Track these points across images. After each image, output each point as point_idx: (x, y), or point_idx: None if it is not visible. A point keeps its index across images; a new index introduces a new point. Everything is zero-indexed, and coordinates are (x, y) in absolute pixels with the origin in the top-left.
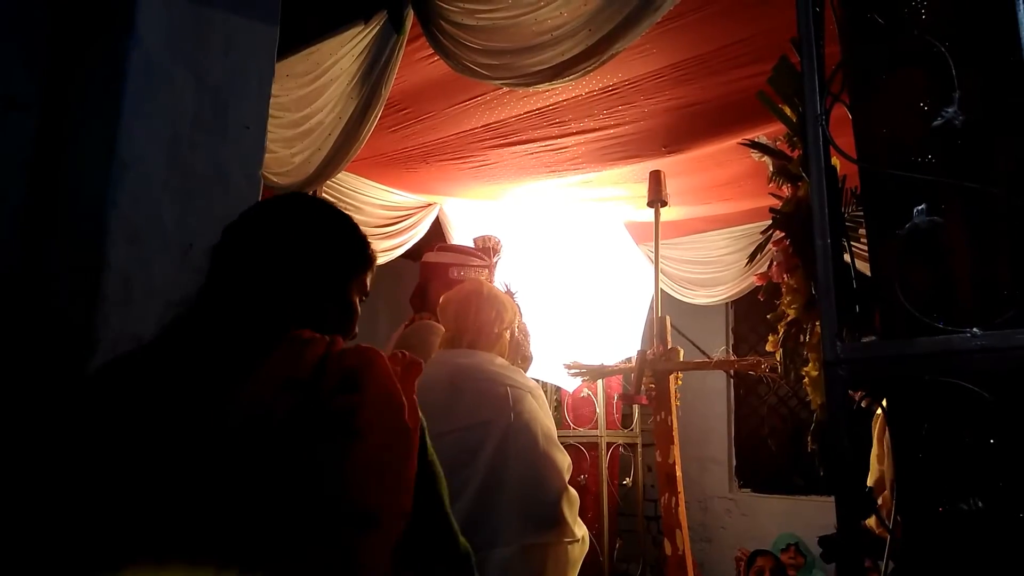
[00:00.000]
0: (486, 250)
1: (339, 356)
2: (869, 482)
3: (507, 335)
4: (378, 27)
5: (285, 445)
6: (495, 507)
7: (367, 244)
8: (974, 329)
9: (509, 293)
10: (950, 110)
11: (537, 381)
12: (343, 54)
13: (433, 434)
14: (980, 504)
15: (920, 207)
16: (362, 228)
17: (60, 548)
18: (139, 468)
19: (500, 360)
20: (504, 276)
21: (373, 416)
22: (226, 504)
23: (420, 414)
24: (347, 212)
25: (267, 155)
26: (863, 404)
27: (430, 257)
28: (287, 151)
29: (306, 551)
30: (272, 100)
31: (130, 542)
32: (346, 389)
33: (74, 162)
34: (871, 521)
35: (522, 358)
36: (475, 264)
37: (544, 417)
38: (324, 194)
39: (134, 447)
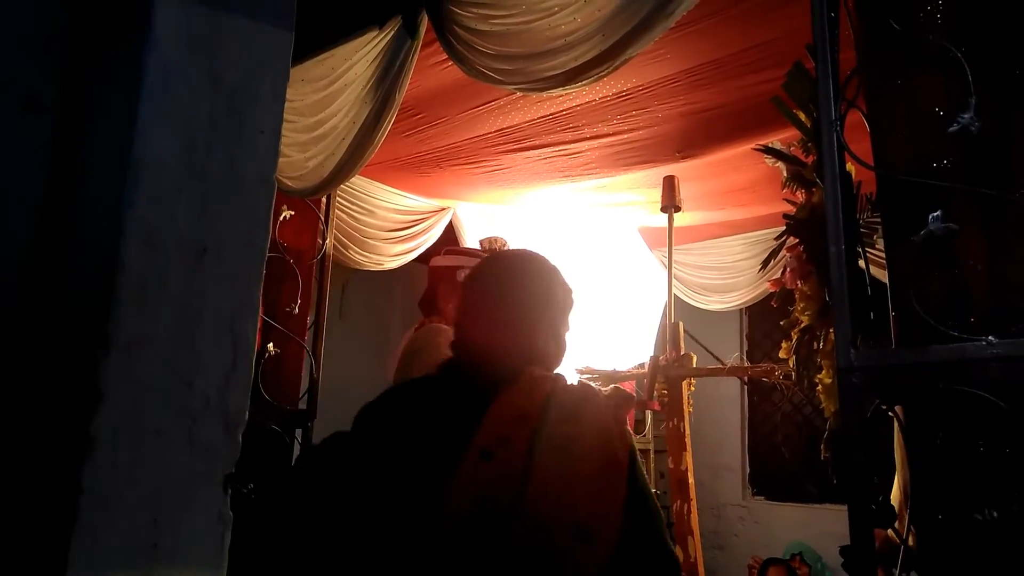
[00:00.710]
0: (492, 252)
1: (564, 392)
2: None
3: None
4: (392, 32)
5: (519, 467)
6: None
7: (571, 290)
8: (990, 337)
9: None
10: (966, 116)
11: None
12: (357, 59)
13: None
14: (995, 514)
15: (935, 213)
16: (375, 231)
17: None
18: (406, 474)
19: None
20: None
21: (588, 447)
22: (471, 512)
23: (631, 443)
24: (359, 215)
25: (281, 159)
26: (881, 410)
27: (437, 261)
28: (301, 155)
29: (534, 562)
30: (287, 105)
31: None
32: (567, 422)
33: (90, 164)
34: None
35: None
36: None
37: None
38: (338, 198)
39: (402, 462)
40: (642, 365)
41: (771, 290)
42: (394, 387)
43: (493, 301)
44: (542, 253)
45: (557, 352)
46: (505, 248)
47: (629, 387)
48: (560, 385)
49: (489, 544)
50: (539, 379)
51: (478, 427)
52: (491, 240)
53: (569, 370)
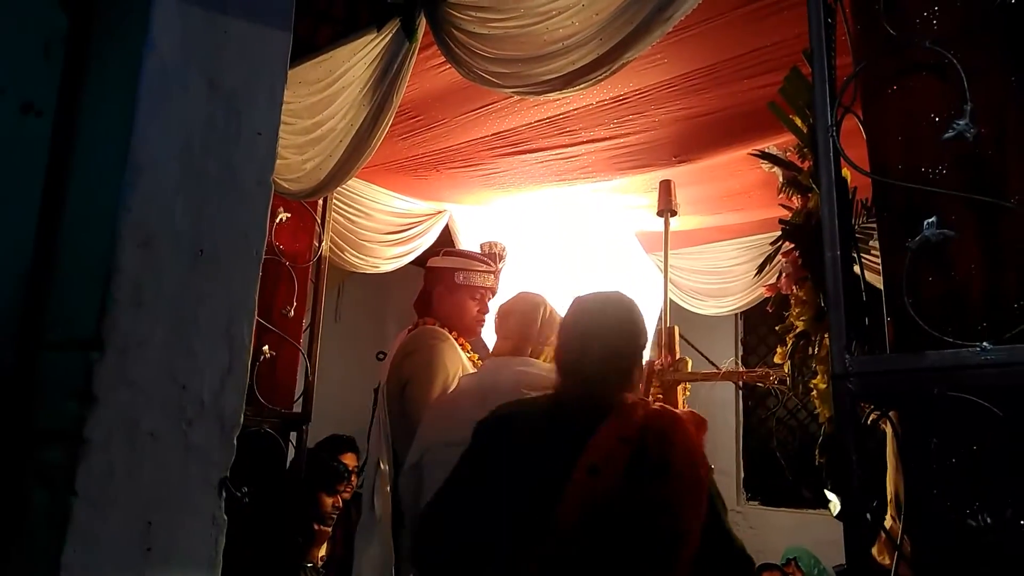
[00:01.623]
0: (492, 256)
1: (655, 418)
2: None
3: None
4: (390, 35)
5: (621, 481)
6: None
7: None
8: (984, 343)
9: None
10: (962, 122)
11: None
12: (355, 61)
13: None
14: (989, 520)
15: (930, 220)
16: (371, 234)
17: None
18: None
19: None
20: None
21: (682, 464)
22: (579, 517)
23: (708, 462)
24: (355, 218)
25: (278, 161)
26: (871, 418)
27: (435, 261)
28: (298, 157)
29: (643, 558)
30: (284, 107)
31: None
32: (662, 443)
33: (87, 166)
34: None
35: None
36: (480, 269)
37: None
38: (335, 200)
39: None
40: None
41: (766, 295)
42: (508, 405)
43: (598, 339)
44: (629, 296)
45: (641, 379)
46: (593, 293)
47: None
48: (650, 410)
49: (597, 543)
50: (633, 405)
51: (586, 446)
52: (491, 244)
53: None
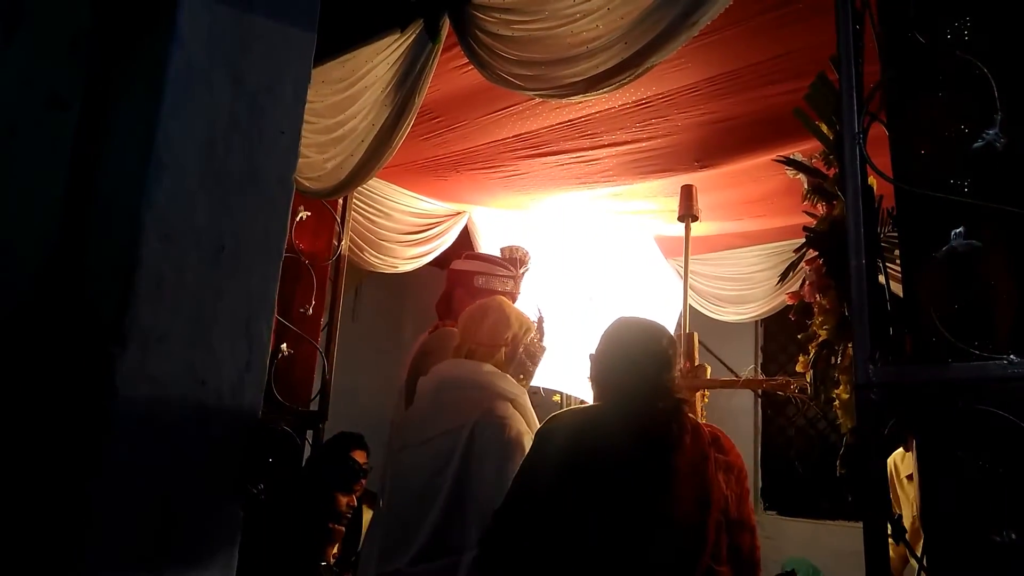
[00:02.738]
0: (513, 260)
1: (712, 428)
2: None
3: (505, 350)
4: (414, 36)
5: (712, 478)
6: (465, 510)
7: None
8: (1011, 356)
9: (541, 318)
10: (991, 132)
11: (558, 394)
12: (378, 61)
13: (416, 442)
14: (1014, 536)
15: (958, 230)
16: (390, 234)
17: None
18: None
19: (488, 367)
20: (537, 300)
21: (735, 463)
22: (695, 499)
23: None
24: (375, 218)
25: (300, 160)
26: (898, 427)
27: (457, 264)
28: (320, 156)
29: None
30: (307, 105)
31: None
32: (720, 449)
33: (112, 160)
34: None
35: (524, 374)
36: (501, 274)
37: (518, 422)
38: (355, 200)
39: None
40: None
41: (788, 303)
42: (574, 411)
43: (639, 363)
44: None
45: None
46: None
47: None
48: (702, 425)
49: (705, 520)
50: (696, 423)
51: (676, 450)
52: (512, 249)
53: (583, 379)
